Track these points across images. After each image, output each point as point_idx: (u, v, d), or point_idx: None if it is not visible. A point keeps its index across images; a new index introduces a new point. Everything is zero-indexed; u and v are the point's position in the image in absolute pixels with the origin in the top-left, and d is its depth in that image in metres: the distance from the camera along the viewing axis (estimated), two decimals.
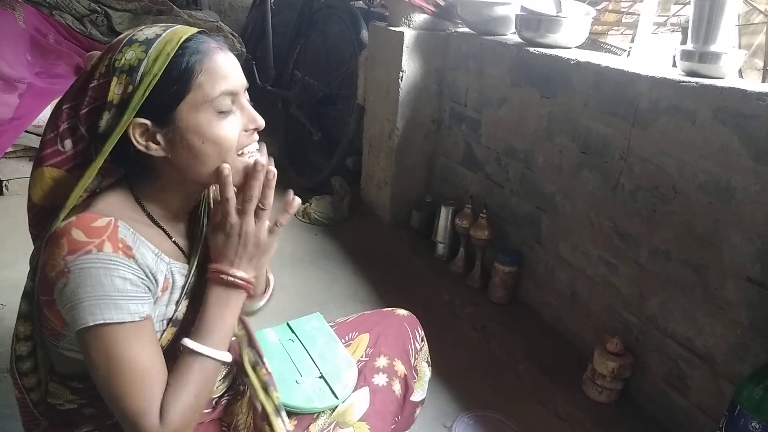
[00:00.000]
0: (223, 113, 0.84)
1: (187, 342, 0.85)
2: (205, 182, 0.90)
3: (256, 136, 0.90)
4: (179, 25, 0.86)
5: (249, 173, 0.87)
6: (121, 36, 0.85)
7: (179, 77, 0.81)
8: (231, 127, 0.85)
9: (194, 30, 0.85)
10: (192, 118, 0.82)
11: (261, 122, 0.89)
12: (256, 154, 0.90)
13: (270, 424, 0.96)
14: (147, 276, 0.84)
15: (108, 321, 0.77)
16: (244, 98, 0.88)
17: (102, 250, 0.78)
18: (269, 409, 0.98)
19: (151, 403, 0.80)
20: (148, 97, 0.80)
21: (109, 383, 0.79)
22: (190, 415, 0.83)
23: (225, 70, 0.84)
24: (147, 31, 0.83)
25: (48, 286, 0.79)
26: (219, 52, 0.84)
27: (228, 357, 0.89)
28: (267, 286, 1.09)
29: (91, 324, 0.77)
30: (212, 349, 0.86)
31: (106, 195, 0.87)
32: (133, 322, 0.79)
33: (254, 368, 1.01)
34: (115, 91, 0.80)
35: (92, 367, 0.80)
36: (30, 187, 0.89)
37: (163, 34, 0.83)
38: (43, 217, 0.90)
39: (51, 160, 0.85)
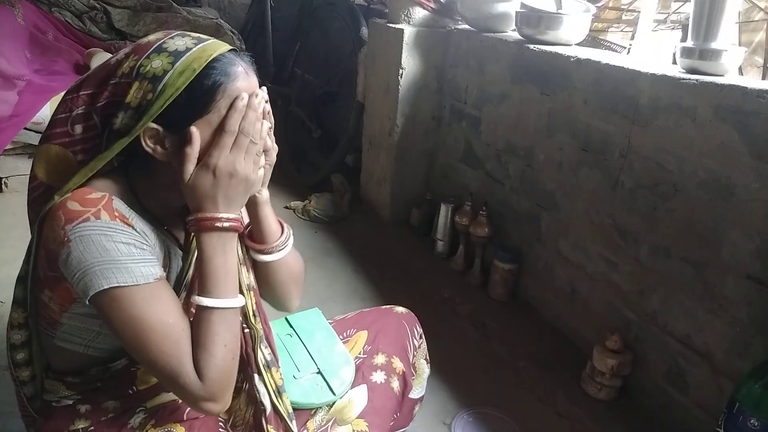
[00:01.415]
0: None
1: (201, 300, 0.84)
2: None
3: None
4: (212, 41, 0.86)
5: (239, 105, 0.84)
6: (151, 38, 0.86)
7: (200, 97, 0.82)
8: None
9: (225, 48, 0.86)
10: (203, 134, 0.84)
11: (268, 145, 0.91)
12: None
13: (286, 428, 0.98)
14: (148, 242, 0.85)
15: (122, 284, 0.78)
16: None
17: (99, 218, 0.79)
18: (284, 413, 0.99)
19: (182, 362, 0.81)
20: (166, 107, 0.82)
21: (137, 347, 0.81)
22: (228, 367, 0.84)
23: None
24: (179, 42, 0.84)
25: (52, 259, 0.80)
26: (244, 78, 0.85)
27: (242, 300, 0.89)
28: (282, 232, 1.05)
29: (106, 287, 0.78)
30: (227, 300, 0.85)
31: (101, 179, 0.88)
32: (147, 284, 0.80)
33: (269, 369, 1.01)
34: (134, 95, 0.82)
35: (118, 333, 0.81)
36: (34, 162, 0.90)
37: (194, 49, 0.83)
38: (42, 199, 0.90)
39: (59, 139, 0.87)
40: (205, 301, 0.84)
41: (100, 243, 0.78)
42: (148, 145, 0.84)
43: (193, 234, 0.93)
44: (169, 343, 0.81)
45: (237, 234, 0.89)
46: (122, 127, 0.83)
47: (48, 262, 0.83)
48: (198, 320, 0.85)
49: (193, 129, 0.83)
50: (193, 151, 0.83)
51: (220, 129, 0.84)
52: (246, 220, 1.02)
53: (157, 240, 0.90)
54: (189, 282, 0.96)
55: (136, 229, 0.83)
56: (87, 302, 0.79)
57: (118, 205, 0.83)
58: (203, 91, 0.82)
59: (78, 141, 0.87)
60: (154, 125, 0.83)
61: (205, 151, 0.84)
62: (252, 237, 1.03)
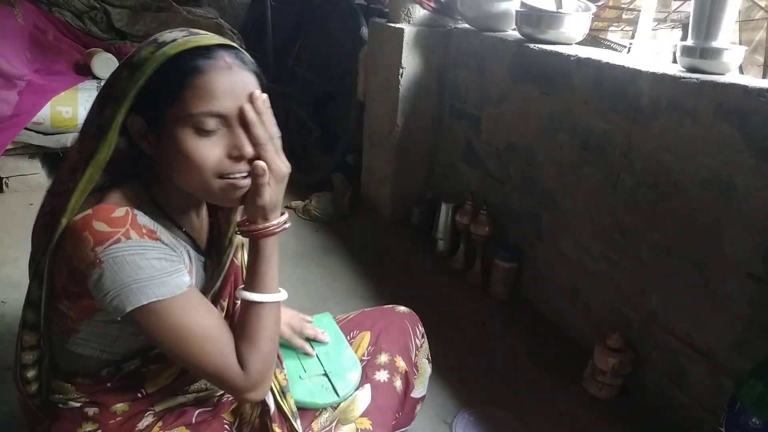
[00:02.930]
0: (202, 132, 0.81)
1: (252, 296, 0.89)
2: (186, 190, 0.87)
3: (245, 165, 0.84)
4: (207, 35, 0.84)
5: (260, 106, 0.83)
6: (158, 34, 0.86)
7: (165, 85, 0.80)
8: (208, 148, 0.81)
9: (215, 41, 0.82)
10: (173, 128, 0.81)
11: (248, 151, 0.83)
12: (244, 181, 0.85)
13: (290, 428, 0.99)
14: (176, 252, 0.87)
15: (161, 298, 0.80)
16: (235, 123, 0.83)
17: (130, 237, 0.79)
18: (288, 412, 0.99)
19: (226, 357, 0.85)
20: (144, 96, 0.80)
21: (179, 353, 0.83)
22: (271, 358, 0.90)
23: (217, 91, 0.80)
24: (174, 34, 0.84)
25: (80, 278, 0.79)
26: (221, 72, 0.80)
27: (286, 294, 0.94)
28: None
29: (145, 302, 0.79)
30: (275, 295, 0.92)
31: (116, 190, 0.87)
32: (182, 293, 0.82)
33: None
34: (120, 84, 0.82)
35: (158, 343, 0.84)
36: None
37: (179, 39, 0.82)
38: (47, 219, 0.88)
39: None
40: (259, 297, 0.89)
41: (134, 262, 0.78)
42: (134, 136, 0.84)
43: (220, 236, 0.97)
44: (210, 343, 0.84)
45: None
46: (104, 120, 0.82)
47: (72, 279, 0.82)
48: (247, 315, 0.89)
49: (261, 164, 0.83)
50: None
51: (268, 137, 0.84)
52: None
53: (180, 247, 0.90)
54: (217, 292, 0.98)
55: (164, 242, 0.84)
56: (118, 318, 0.80)
57: (143, 219, 0.83)
58: (169, 79, 0.80)
59: (86, 127, 0.87)
60: (137, 117, 0.82)
61: (172, 143, 0.81)
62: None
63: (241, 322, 0.90)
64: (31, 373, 0.94)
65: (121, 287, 0.78)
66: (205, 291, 0.96)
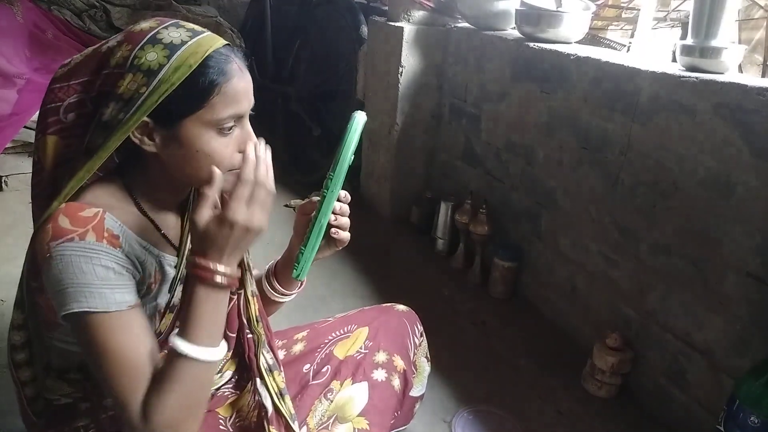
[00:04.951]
0: (223, 132, 0.84)
1: (177, 343, 0.79)
2: (192, 184, 0.91)
3: None
4: (206, 34, 0.85)
5: (250, 156, 0.82)
6: (144, 26, 0.84)
7: (195, 93, 0.81)
8: (226, 146, 0.85)
9: (220, 42, 0.84)
10: (195, 129, 0.82)
11: (254, 138, 0.88)
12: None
13: (288, 429, 0.98)
14: (134, 264, 0.84)
15: (93, 309, 0.77)
16: (247, 118, 0.88)
17: (84, 239, 0.78)
18: (286, 414, 0.99)
19: (133, 396, 0.77)
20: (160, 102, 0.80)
21: (97, 369, 0.80)
22: (178, 415, 0.78)
23: (240, 94, 0.84)
24: (173, 33, 0.82)
25: (36, 271, 0.81)
26: (239, 75, 0.84)
27: (221, 353, 0.83)
28: (301, 284, 1.13)
29: (76, 310, 0.77)
30: (204, 349, 0.79)
31: (96, 186, 0.87)
32: (118, 311, 0.78)
33: (270, 372, 1.02)
34: (127, 86, 0.80)
35: (83, 350, 0.81)
36: (39, 155, 0.89)
37: (190, 42, 0.82)
38: (46, 194, 0.90)
39: (53, 128, 0.87)
40: (180, 346, 0.78)
41: (78, 264, 0.77)
42: (135, 135, 0.82)
43: (188, 237, 0.94)
44: (125, 375, 0.78)
45: (230, 289, 0.84)
46: (111, 119, 0.81)
47: (32, 273, 0.83)
48: (166, 360, 0.80)
49: (216, 170, 0.80)
50: (213, 193, 0.80)
51: (239, 180, 0.80)
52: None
53: (148, 255, 0.88)
54: (184, 276, 0.95)
55: (124, 250, 0.82)
56: (61, 317, 0.79)
57: (110, 224, 0.81)
58: (199, 88, 0.81)
59: (69, 127, 0.86)
60: (145, 117, 0.81)
61: (192, 142, 0.82)
62: (278, 278, 1.10)
63: (163, 363, 0.80)
64: (21, 356, 0.94)
65: (61, 288, 0.77)
66: (172, 284, 0.94)
